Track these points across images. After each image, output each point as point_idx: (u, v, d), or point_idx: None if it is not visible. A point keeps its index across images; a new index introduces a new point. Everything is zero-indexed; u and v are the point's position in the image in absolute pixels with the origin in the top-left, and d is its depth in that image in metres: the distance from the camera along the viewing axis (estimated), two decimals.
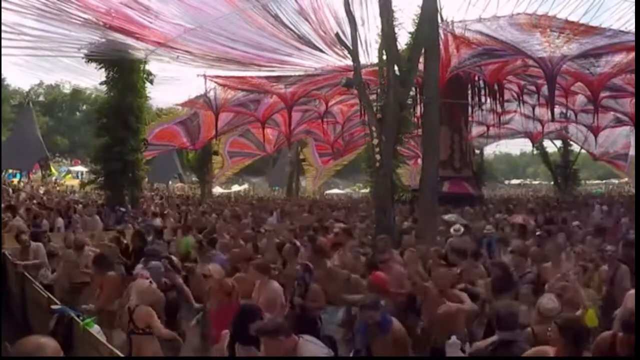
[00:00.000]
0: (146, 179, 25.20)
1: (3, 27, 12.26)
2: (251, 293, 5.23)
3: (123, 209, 15.73)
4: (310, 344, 3.48)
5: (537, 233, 8.55)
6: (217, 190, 40.40)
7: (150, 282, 4.78)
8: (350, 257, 7.09)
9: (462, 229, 9.10)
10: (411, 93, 14.30)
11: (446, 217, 11.21)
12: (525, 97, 24.63)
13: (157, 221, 12.56)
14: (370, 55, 16.59)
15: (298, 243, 7.37)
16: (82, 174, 41.82)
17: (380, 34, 11.67)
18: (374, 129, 10.43)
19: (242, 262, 6.41)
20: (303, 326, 4.64)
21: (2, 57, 14.06)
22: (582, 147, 34.88)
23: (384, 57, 11.11)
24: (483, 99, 23.59)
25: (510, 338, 3.86)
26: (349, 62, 13.50)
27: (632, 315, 3.83)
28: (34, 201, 18.54)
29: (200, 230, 10.43)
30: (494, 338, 4.00)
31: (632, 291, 5.14)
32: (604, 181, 62.87)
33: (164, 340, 4.51)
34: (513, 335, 3.88)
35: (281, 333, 3.35)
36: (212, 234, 9.37)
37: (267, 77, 21.86)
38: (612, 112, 26.83)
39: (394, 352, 4.26)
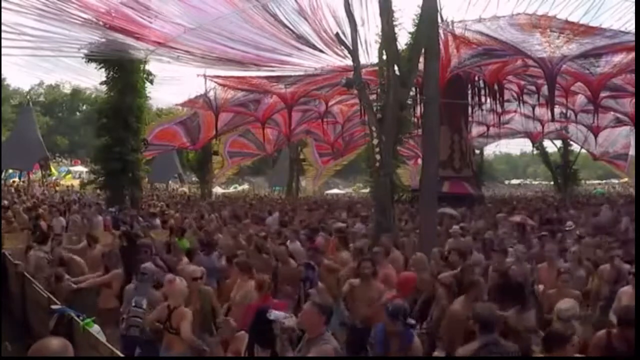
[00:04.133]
0: (146, 179, 25.21)
1: (3, 27, 12.24)
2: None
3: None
4: (332, 336, 3.53)
5: (540, 234, 8.50)
6: (217, 190, 40.39)
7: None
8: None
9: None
10: (411, 93, 14.28)
11: (439, 210, 11.24)
12: (525, 97, 24.61)
13: (157, 221, 12.57)
14: (370, 55, 16.62)
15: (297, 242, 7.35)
16: (82, 174, 41.89)
17: (380, 34, 11.66)
18: (374, 129, 10.42)
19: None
20: None
21: (2, 57, 14.06)
22: (582, 147, 34.86)
23: (384, 57, 11.11)
24: (483, 99, 23.58)
25: (493, 341, 3.66)
26: (349, 62, 13.48)
27: (628, 310, 3.85)
28: (34, 201, 18.51)
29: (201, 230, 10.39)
30: (476, 343, 3.73)
31: (626, 288, 5.18)
32: (604, 181, 62.96)
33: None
34: (495, 338, 3.68)
35: (324, 312, 3.42)
36: (210, 235, 9.26)
37: (267, 77, 21.83)
38: (612, 112, 26.81)
39: None
